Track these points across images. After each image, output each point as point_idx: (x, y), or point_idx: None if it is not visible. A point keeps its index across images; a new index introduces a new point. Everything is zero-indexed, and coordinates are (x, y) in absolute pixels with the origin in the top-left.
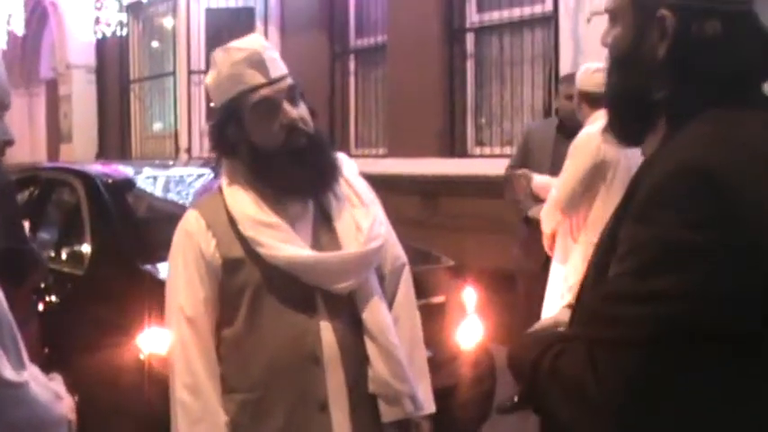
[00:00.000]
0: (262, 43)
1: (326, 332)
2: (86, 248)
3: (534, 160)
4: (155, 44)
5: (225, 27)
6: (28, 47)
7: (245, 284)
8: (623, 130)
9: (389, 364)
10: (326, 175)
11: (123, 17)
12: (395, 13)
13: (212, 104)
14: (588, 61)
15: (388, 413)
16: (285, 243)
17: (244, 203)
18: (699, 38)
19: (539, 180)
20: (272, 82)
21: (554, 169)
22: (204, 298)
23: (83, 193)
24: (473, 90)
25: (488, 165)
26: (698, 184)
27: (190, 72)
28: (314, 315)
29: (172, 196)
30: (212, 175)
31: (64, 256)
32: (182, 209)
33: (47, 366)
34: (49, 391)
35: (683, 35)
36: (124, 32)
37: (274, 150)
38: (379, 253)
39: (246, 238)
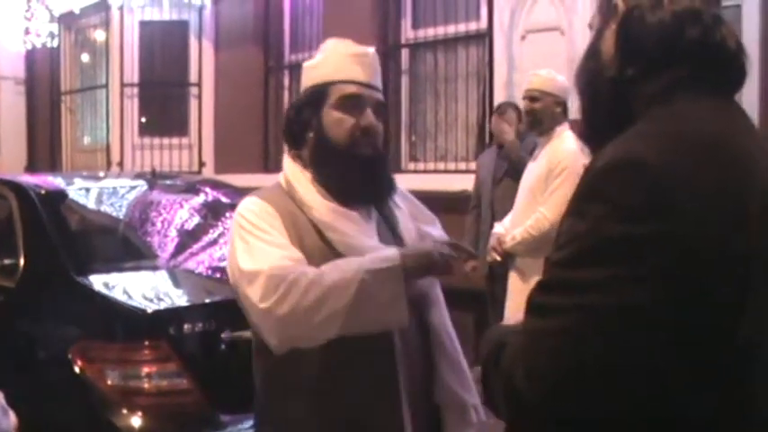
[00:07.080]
0: (374, 53)
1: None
2: (18, 260)
3: (481, 183)
4: (87, 56)
5: (158, 40)
6: None
7: None
8: (590, 133)
9: (457, 373)
10: (383, 188)
11: (54, 28)
12: (329, 27)
13: (302, 87)
14: (522, 78)
15: (454, 427)
16: (360, 234)
17: (316, 193)
18: (641, 24)
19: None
20: (369, 85)
21: (494, 185)
22: (299, 257)
23: (15, 204)
24: (407, 106)
25: (421, 180)
26: (630, 176)
27: (123, 85)
28: None
29: (105, 208)
30: (146, 187)
31: None
32: (115, 221)
33: None
34: None
35: (628, 20)
36: (55, 43)
37: (340, 149)
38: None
39: (319, 224)
